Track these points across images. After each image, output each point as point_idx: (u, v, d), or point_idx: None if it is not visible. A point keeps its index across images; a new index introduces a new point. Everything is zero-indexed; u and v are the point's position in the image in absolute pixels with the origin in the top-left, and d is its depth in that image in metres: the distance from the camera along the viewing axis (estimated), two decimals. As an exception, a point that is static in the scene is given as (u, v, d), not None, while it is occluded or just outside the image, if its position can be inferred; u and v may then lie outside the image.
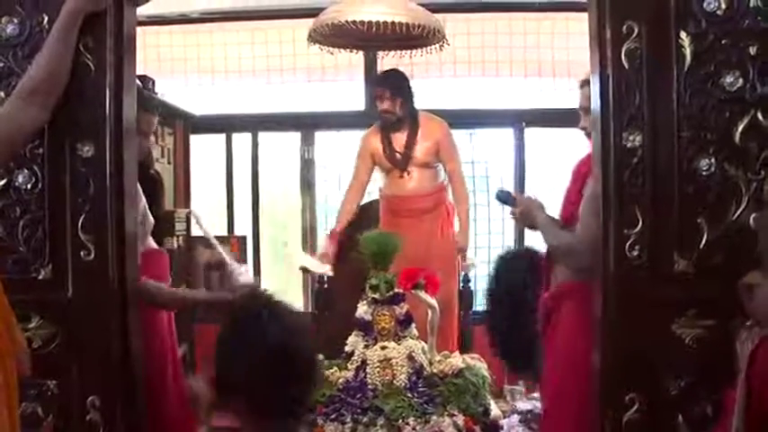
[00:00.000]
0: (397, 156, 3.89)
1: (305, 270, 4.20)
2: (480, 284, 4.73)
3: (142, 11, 1.99)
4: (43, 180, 1.83)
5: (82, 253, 1.82)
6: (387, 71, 4.00)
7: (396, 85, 3.87)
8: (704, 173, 1.73)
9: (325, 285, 4.32)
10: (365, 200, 4.23)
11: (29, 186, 1.83)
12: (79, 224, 1.82)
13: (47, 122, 1.77)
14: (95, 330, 1.82)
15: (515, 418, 3.72)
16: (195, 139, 4.90)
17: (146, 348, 1.99)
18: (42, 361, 1.78)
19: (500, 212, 4.75)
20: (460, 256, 4.02)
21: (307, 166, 4.90)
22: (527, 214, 2.30)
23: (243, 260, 4.47)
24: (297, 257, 4.30)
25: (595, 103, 1.80)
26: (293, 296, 5.02)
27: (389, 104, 3.85)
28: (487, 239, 4.79)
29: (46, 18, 1.81)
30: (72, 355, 1.83)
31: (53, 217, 1.83)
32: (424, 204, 3.92)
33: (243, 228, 4.83)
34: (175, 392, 2.30)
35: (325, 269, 3.97)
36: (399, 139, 3.90)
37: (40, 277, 1.83)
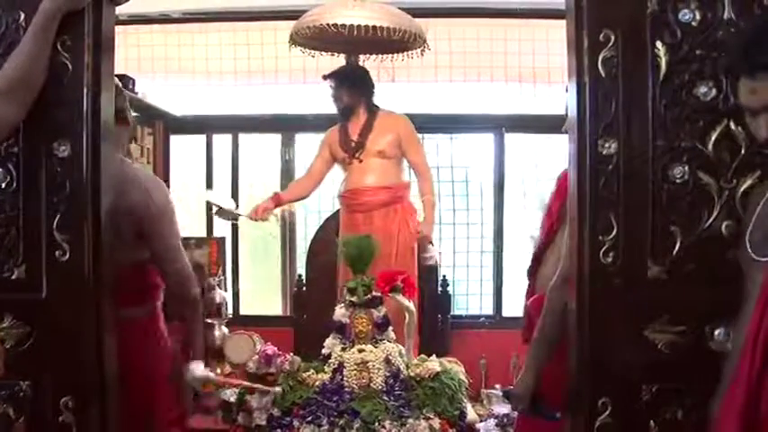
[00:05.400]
0: (351, 143, 3.93)
1: (211, 206, 4.20)
2: (459, 288, 4.77)
3: (123, 10, 1.98)
4: (18, 179, 1.81)
5: (57, 253, 1.80)
6: (345, 65, 4.09)
7: (341, 76, 3.97)
8: (678, 180, 1.75)
9: (304, 288, 4.32)
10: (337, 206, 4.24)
11: (3, 185, 1.81)
12: (54, 224, 1.80)
13: (22, 121, 1.76)
14: (69, 331, 1.81)
15: (492, 422, 3.75)
16: (175, 140, 4.89)
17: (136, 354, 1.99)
18: (15, 361, 1.76)
19: (479, 216, 4.78)
20: (420, 248, 3.96)
21: (287, 168, 4.90)
22: (522, 397, 2.12)
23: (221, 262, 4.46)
24: (207, 194, 4.26)
25: (572, 109, 1.82)
26: (271, 299, 5.01)
27: (335, 92, 3.96)
28: (466, 244, 4.82)
29: (23, 15, 1.79)
30: (45, 356, 1.81)
31: (28, 216, 1.81)
32: (377, 198, 3.89)
33: (222, 229, 4.82)
34: (165, 397, 2.30)
35: (233, 206, 4.16)
36: (355, 127, 3.95)
37: (14, 277, 1.81)
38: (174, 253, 2.23)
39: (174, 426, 2.29)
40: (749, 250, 1.50)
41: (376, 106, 3.98)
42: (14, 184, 1.81)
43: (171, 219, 2.23)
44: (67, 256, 1.81)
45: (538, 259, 2.33)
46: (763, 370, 1.39)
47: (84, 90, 1.80)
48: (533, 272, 2.34)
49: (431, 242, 4.02)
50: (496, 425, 3.72)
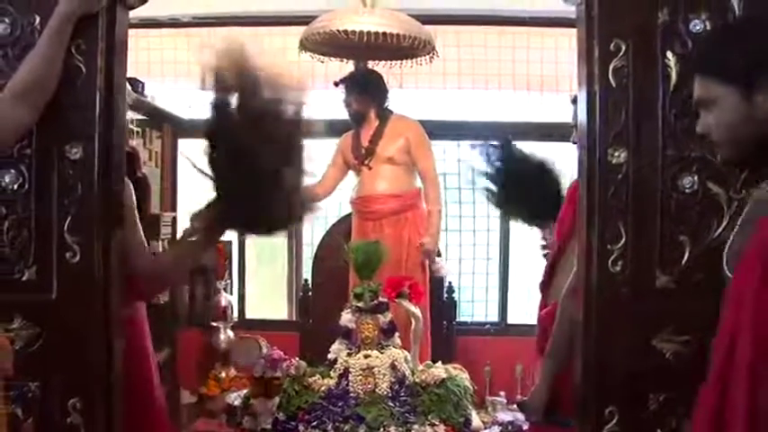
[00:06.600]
0: (362, 149, 3.93)
1: None
2: (465, 295, 4.77)
3: (133, 13, 1.99)
4: (30, 181, 1.82)
5: (67, 255, 1.81)
6: (356, 71, 4.08)
7: (350, 81, 3.97)
8: (687, 190, 1.75)
9: (309, 293, 4.33)
10: (344, 212, 4.25)
11: (15, 187, 1.81)
12: (65, 226, 1.81)
13: (35, 123, 1.77)
14: (79, 332, 1.81)
15: (496, 429, 3.74)
16: (183, 143, 4.89)
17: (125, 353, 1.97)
18: (24, 362, 1.77)
19: (485, 223, 4.79)
20: (428, 261, 3.94)
21: (293, 172, 4.90)
22: (537, 409, 2.15)
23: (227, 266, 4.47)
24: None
25: (582, 118, 1.82)
26: (277, 303, 5.02)
27: (345, 98, 3.96)
28: (472, 251, 4.82)
29: (38, 18, 1.80)
30: (54, 357, 1.82)
31: (39, 218, 1.81)
32: (387, 206, 3.89)
33: (228, 233, 4.81)
34: (154, 397, 2.29)
35: None
36: (366, 133, 3.95)
37: (24, 278, 1.82)
38: (140, 247, 2.13)
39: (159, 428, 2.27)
40: (725, 266, 1.49)
41: (389, 111, 3.98)
42: (26, 186, 1.82)
43: (134, 213, 2.15)
44: (78, 258, 1.81)
45: (550, 271, 2.31)
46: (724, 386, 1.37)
47: (97, 93, 1.81)
48: (546, 284, 2.32)
49: (438, 254, 3.99)
50: (500, 432, 3.71)
